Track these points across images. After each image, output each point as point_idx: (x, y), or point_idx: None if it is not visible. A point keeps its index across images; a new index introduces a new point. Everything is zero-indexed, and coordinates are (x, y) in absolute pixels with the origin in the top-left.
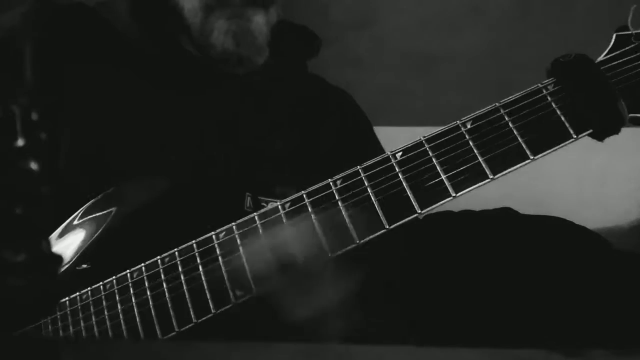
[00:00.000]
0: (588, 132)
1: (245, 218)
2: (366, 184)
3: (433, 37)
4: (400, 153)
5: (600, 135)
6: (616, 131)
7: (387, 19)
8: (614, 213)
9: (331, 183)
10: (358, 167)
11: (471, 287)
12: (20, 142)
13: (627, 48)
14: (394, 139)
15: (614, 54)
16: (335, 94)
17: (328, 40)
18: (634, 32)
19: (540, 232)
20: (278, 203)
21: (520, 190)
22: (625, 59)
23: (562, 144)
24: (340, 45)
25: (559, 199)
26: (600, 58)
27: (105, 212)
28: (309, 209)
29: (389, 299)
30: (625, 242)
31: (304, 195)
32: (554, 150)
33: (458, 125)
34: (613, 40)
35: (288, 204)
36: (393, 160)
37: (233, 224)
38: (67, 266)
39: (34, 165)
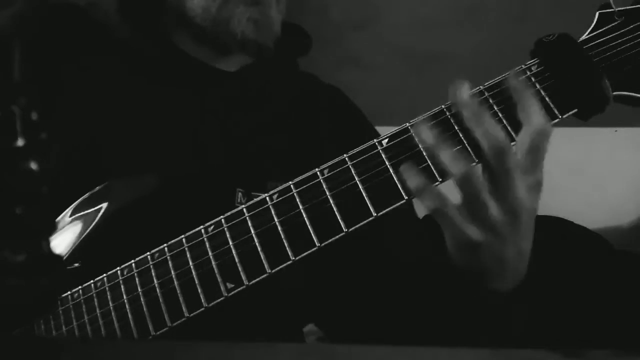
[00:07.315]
0: (573, 111)
1: (234, 211)
2: (353, 172)
3: (433, 37)
4: (386, 140)
5: (585, 114)
6: (601, 110)
7: (386, 19)
8: (614, 213)
9: (318, 172)
10: (345, 155)
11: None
12: (20, 142)
13: (610, 26)
14: None
15: (596, 32)
16: (327, 91)
17: (328, 40)
18: (616, 9)
19: (540, 232)
20: (266, 195)
21: None
22: (608, 36)
23: None
24: (339, 45)
25: (559, 199)
26: (583, 37)
27: (94, 209)
28: (297, 200)
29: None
30: (625, 242)
31: (292, 186)
32: None
33: (443, 109)
34: (596, 19)
35: (276, 195)
36: (379, 147)
37: (222, 217)
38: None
39: (34, 165)
